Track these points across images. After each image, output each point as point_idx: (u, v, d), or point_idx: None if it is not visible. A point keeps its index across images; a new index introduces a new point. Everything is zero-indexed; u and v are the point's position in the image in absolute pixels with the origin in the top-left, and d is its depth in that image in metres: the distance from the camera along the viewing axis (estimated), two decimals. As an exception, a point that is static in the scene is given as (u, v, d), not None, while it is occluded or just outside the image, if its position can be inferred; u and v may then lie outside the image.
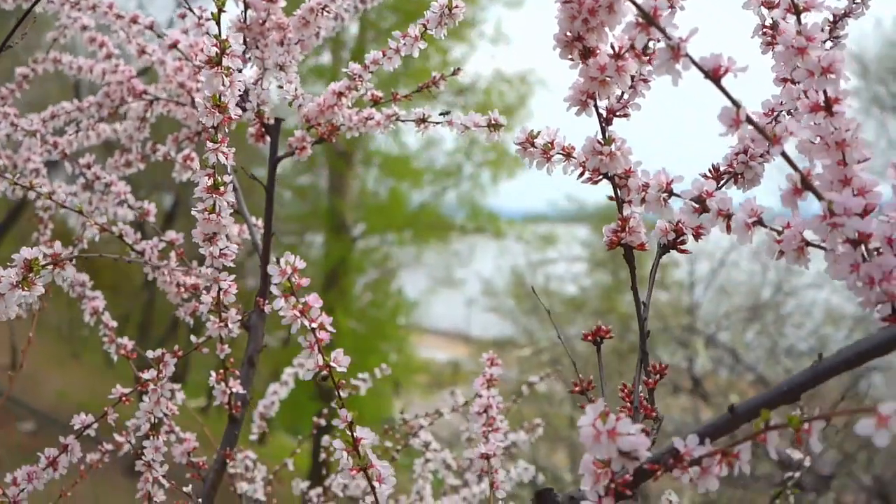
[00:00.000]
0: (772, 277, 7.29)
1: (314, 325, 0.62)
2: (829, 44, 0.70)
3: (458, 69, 0.99)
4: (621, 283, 10.33)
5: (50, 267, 0.66)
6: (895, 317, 0.50)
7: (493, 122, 0.85)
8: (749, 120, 0.51)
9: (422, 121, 0.95)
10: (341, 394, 0.66)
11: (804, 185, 0.51)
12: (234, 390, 0.98)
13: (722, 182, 0.70)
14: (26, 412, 6.49)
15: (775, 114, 0.70)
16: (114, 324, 1.12)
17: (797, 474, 1.19)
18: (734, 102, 0.51)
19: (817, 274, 7.37)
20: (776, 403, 0.50)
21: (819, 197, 0.51)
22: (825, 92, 0.54)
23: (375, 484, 0.65)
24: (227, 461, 0.99)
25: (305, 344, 0.63)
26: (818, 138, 0.54)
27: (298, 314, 0.62)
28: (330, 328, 0.63)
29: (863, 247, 0.53)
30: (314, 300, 0.63)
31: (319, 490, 1.42)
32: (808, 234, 0.56)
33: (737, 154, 0.69)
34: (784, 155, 0.51)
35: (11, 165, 1.30)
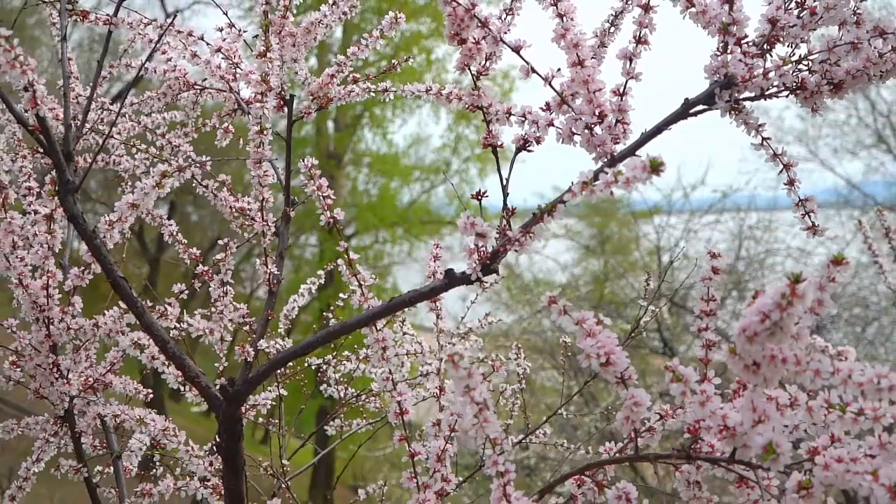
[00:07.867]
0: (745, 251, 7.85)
1: (324, 194, 1.16)
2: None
3: (408, 57, 1.52)
4: (610, 271, 10.89)
5: (176, 172, 1.18)
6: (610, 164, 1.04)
7: (429, 89, 1.38)
8: (533, 70, 1.04)
9: (386, 90, 1.49)
10: (341, 234, 1.19)
11: (562, 101, 1.05)
12: (271, 272, 1.51)
13: (554, 112, 1.23)
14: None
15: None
16: (185, 241, 1.65)
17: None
18: (526, 62, 1.04)
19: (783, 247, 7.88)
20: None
21: (570, 107, 1.05)
22: (577, 54, 1.07)
23: (364, 289, 1.18)
24: (269, 318, 1.52)
25: (320, 205, 1.16)
26: (574, 81, 1.07)
27: (316, 189, 1.16)
28: (332, 196, 1.16)
29: (597, 129, 1.06)
30: (324, 181, 1.16)
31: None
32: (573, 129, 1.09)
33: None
34: (551, 86, 1.04)
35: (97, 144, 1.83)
